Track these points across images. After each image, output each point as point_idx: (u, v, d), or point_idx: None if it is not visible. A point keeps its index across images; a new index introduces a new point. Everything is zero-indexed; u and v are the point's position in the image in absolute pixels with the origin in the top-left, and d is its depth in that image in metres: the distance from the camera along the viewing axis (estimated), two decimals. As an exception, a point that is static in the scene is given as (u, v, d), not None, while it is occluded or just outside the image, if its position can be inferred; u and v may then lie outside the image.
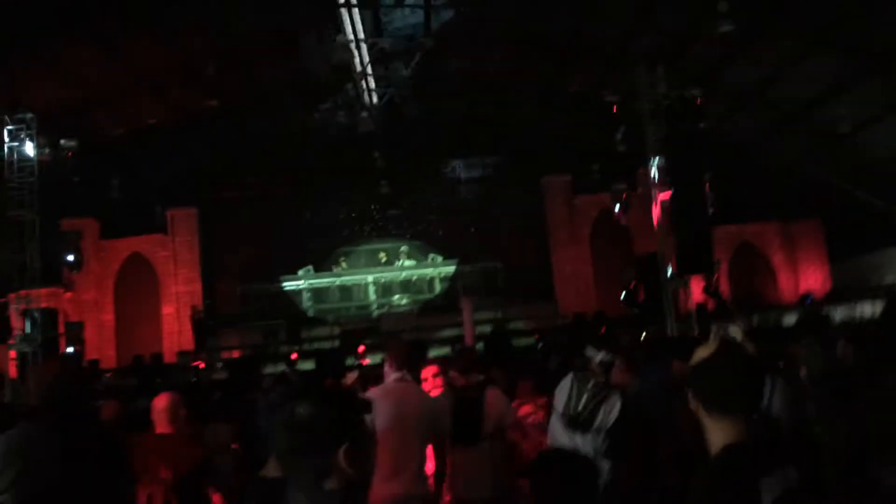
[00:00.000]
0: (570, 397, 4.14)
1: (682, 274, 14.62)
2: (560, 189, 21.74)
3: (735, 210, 18.10)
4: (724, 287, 18.29)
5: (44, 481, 2.69)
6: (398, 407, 4.05)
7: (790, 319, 15.17)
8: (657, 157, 14.84)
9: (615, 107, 15.94)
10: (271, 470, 2.43)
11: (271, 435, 2.39)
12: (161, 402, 4.11)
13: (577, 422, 4.10)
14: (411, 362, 4.50)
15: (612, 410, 4.12)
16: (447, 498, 4.58)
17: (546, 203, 21.76)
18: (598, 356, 4.25)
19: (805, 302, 18.92)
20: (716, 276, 15.75)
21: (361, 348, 15.53)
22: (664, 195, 14.76)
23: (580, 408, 4.09)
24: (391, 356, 4.44)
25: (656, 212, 15.07)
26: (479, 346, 14.47)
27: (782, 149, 19.24)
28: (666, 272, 14.77)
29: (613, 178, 17.50)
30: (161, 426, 4.06)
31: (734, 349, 1.80)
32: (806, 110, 17.43)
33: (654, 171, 15.08)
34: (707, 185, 14.85)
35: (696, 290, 15.97)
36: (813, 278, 20.86)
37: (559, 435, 4.18)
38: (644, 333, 13.73)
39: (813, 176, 19.08)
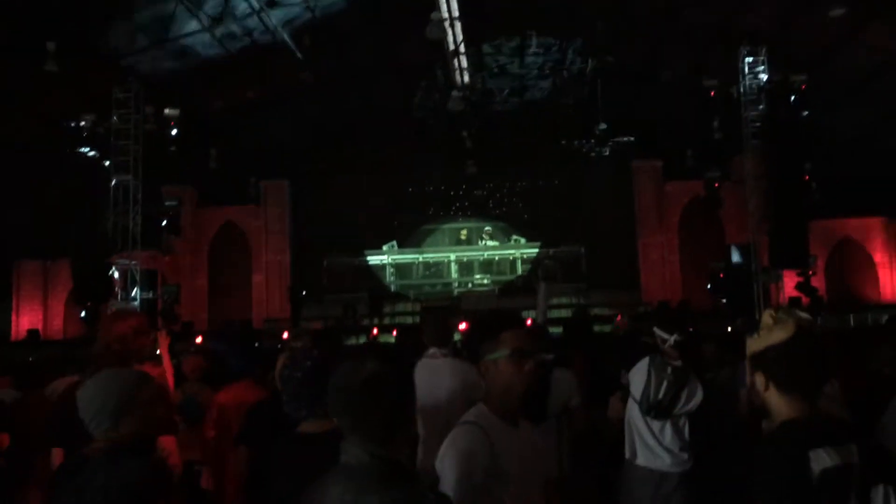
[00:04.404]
0: (647, 384, 3.99)
1: (776, 267, 14.11)
2: (650, 174, 21.22)
3: (837, 203, 17.21)
4: (820, 283, 17.46)
5: None
6: (430, 380, 4.05)
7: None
8: (755, 144, 14.31)
9: (713, 91, 15.38)
10: (309, 427, 2.59)
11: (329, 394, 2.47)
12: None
13: (656, 410, 3.98)
14: (446, 338, 4.46)
15: (693, 397, 3.98)
16: None
17: (635, 188, 21.29)
18: (672, 337, 4.09)
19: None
20: (811, 270, 15.05)
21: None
22: (760, 184, 14.23)
23: (660, 396, 3.95)
24: (427, 332, 4.43)
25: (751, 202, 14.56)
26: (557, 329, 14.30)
27: (891, 141, 18.13)
28: (758, 264, 14.29)
29: (707, 164, 16.94)
30: None
31: (810, 335, 1.91)
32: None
33: (750, 159, 14.55)
34: (807, 175, 14.19)
35: (790, 284, 15.33)
36: (918, 278, 19.71)
37: (636, 419, 4.10)
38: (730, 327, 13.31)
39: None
